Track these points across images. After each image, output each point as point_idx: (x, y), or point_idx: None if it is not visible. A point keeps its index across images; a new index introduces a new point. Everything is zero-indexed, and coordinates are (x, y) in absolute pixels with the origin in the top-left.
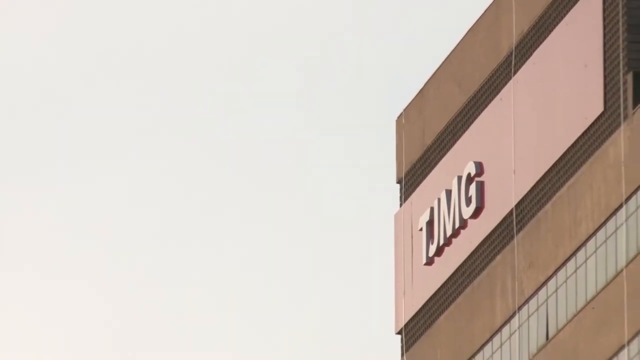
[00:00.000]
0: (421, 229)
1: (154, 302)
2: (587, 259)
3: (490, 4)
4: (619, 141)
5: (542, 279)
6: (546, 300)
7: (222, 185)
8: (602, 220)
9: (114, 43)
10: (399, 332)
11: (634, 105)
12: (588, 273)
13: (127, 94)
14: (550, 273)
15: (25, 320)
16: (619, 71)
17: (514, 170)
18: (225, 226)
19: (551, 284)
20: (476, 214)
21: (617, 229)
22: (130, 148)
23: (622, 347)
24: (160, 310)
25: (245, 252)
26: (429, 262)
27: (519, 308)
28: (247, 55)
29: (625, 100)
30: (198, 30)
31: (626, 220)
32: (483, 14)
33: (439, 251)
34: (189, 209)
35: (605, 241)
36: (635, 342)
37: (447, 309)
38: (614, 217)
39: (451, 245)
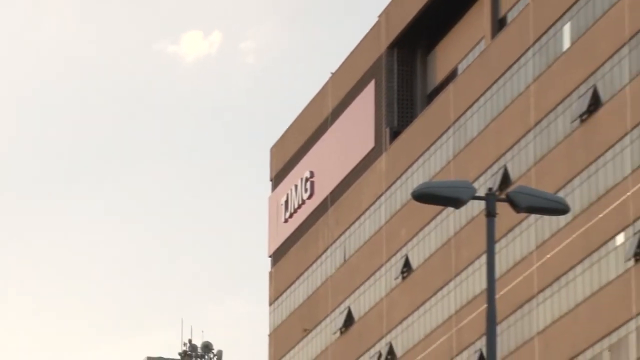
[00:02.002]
0: (282, 204)
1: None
2: (365, 220)
3: (320, 90)
4: (382, 162)
5: (342, 230)
6: (344, 241)
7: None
8: (372, 201)
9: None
10: (270, 256)
11: (390, 142)
12: (366, 228)
13: None
14: (347, 227)
15: None
16: (382, 126)
17: (329, 175)
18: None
19: (347, 232)
20: (309, 197)
21: (380, 205)
22: None
23: (381, 265)
24: None
25: (163, 219)
26: (286, 221)
27: (331, 244)
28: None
29: (385, 141)
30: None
31: (385, 202)
32: (316, 94)
33: (291, 215)
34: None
35: (374, 212)
36: (389, 263)
37: (294, 244)
38: (379, 200)
39: (297, 213)
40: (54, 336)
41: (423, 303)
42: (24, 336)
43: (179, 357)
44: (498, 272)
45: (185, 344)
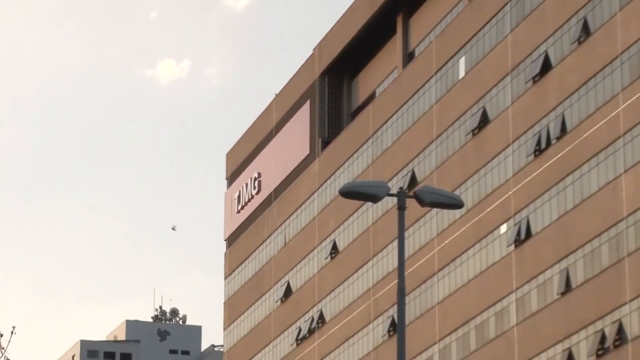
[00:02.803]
0: (235, 199)
1: None
2: (301, 212)
3: (267, 107)
4: (315, 165)
5: (283, 219)
6: (285, 228)
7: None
8: (307, 196)
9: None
10: (226, 240)
11: (321, 151)
12: (302, 218)
13: None
14: (287, 217)
15: None
16: (315, 137)
17: (273, 176)
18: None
19: (287, 221)
20: (257, 193)
21: (313, 200)
22: None
23: (314, 248)
24: None
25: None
26: (238, 212)
27: (274, 231)
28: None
29: (318, 149)
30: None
31: (317, 197)
32: (263, 111)
33: (242, 208)
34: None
35: (309, 205)
36: (320, 246)
37: (244, 231)
38: (313, 196)
39: (247, 205)
40: (54, 300)
41: (347, 278)
42: (28, 300)
43: (151, 320)
44: (407, 254)
45: (156, 310)
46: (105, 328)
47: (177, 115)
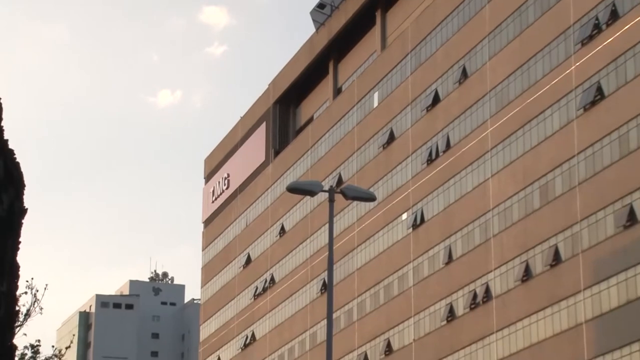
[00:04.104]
0: (210, 192)
1: None
2: (259, 203)
3: (234, 126)
4: (269, 169)
5: (245, 208)
6: (246, 215)
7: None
8: (263, 191)
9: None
10: (203, 222)
11: (274, 158)
12: (259, 207)
13: None
14: (248, 206)
15: None
16: (270, 148)
17: (239, 176)
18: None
19: (248, 210)
20: (227, 188)
21: (268, 194)
22: None
23: (267, 229)
24: None
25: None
26: (212, 202)
27: (238, 216)
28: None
29: (271, 157)
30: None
31: (270, 192)
32: (232, 128)
33: (216, 199)
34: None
35: (264, 198)
36: (272, 227)
37: (217, 216)
38: (267, 191)
39: (219, 197)
40: (77, 264)
41: (291, 250)
42: (57, 264)
43: (148, 280)
44: (335, 233)
45: (152, 272)
46: (114, 285)
47: (171, 131)
